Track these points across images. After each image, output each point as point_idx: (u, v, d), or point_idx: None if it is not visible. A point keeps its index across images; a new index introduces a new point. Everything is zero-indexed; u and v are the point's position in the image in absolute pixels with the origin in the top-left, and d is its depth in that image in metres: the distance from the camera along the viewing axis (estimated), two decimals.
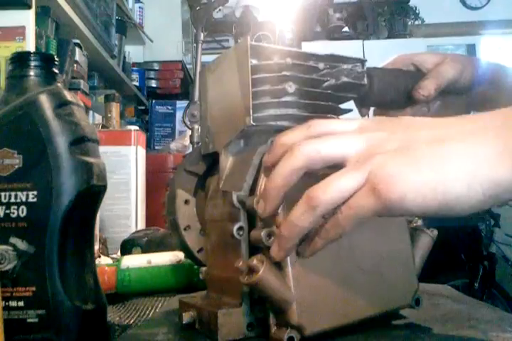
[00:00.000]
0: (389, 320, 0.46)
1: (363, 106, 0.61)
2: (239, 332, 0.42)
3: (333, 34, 3.68)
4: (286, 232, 0.37)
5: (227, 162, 0.47)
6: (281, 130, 0.45)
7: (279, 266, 0.39)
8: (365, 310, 0.42)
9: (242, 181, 0.43)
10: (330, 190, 0.35)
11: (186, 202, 0.53)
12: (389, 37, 3.67)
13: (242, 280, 0.39)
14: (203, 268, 0.51)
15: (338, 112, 0.51)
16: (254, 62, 0.45)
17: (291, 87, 0.45)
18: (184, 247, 0.53)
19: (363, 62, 0.51)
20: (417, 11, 3.73)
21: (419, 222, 0.49)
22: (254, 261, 0.38)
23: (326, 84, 0.49)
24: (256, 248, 0.41)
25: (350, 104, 0.54)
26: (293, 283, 0.39)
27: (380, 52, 3.50)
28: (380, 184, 0.33)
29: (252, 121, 0.44)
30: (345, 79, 0.48)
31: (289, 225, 0.37)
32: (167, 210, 0.54)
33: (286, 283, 0.39)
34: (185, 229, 0.52)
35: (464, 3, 4.21)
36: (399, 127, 0.37)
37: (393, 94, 0.59)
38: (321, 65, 0.48)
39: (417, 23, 3.75)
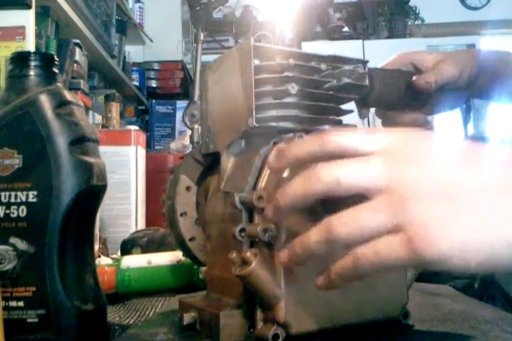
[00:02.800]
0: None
1: (363, 106, 0.61)
2: (240, 334, 0.42)
3: (333, 34, 3.68)
4: (298, 249, 0.34)
5: (228, 162, 0.47)
6: (282, 131, 0.45)
7: (271, 261, 0.39)
8: (353, 316, 0.42)
9: (244, 182, 0.43)
10: (352, 227, 0.31)
11: (188, 188, 0.53)
12: (389, 37, 3.67)
13: (234, 272, 0.39)
14: (203, 268, 0.51)
15: (340, 113, 0.51)
16: (257, 62, 0.45)
17: (293, 88, 0.45)
18: (176, 233, 0.53)
19: (364, 63, 0.51)
20: (417, 11, 3.73)
21: None
22: (248, 254, 0.39)
23: (327, 85, 0.48)
24: None
25: (350, 105, 0.54)
26: (284, 280, 0.39)
27: (380, 52, 3.49)
28: (419, 238, 0.29)
29: (254, 122, 0.43)
30: (346, 80, 0.48)
31: (303, 245, 0.34)
32: (167, 195, 0.54)
33: (277, 279, 0.39)
34: (181, 215, 0.52)
35: (464, 3, 4.21)
36: (430, 158, 0.32)
37: (394, 95, 0.60)
38: (323, 66, 0.48)
39: (417, 23, 3.75)
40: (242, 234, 0.42)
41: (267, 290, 0.39)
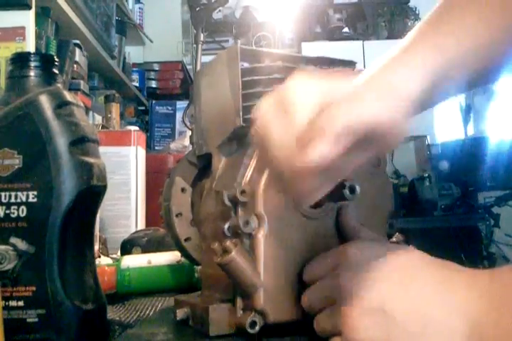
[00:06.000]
0: None
1: None
2: (230, 327, 0.42)
3: (333, 35, 3.68)
4: None
5: (219, 163, 0.48)
6: None
7: (252, 251, 0.41)
8: None
9: (233, 181, 0.44)
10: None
11: (183, 190, 0.54)
12: (389, 37, 3.67)
13: (215, 260, 0.40)
14: (199, 268, 0.51)
15: None
16: (246, 64, 0.46)
17: None
18: (172, 234, 0.54)
19: (353, 64, 0.51)
20: (417, 12, 3.74)
21: (400, 237, 0.49)
22: (228, 243, 0.40)
23: None
24: None
25: None
26: (263, 270, 0.40)
27: (380, 53, 3.50)
28: None
29: (241, 122, 0.45)
30: None
31: None
32: (163, 196, 0.55)
33: (256, 268, 0.40)
34: (176, 216, 0.53)
35: None
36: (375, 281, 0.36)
37: None
38: (310, 68, 0.49)
39: (417, 23, 3.75)
40: (228, 226, 0.43)
41: (246, 278, 0.40)
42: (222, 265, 0.40)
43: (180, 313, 0.46)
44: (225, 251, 0.40)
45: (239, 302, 0.42)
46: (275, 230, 0.41)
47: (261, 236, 0.41)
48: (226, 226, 0.42)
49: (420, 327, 0.33)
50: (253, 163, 0.44)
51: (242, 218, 0.41)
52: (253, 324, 0.40)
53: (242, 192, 0.42)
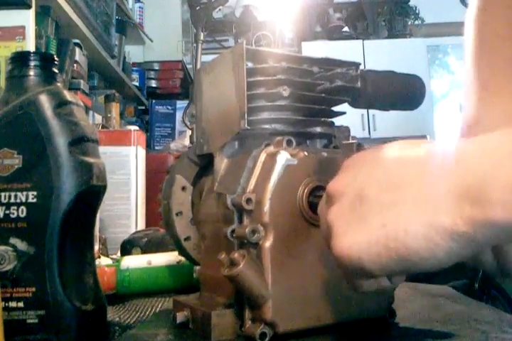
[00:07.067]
0: (389, 320, 0.46)
1: (356, 108, 0.61)
2: (231, 333, 0.42)
3: (333, 34, 3.68)
4: None
5: (221, 164, 0.48)
6: (275, 133, 0.46)
7: (259, 262, 0.40)
8: (339, 315, 0.43)
9: (236, 184, 0.44)
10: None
11: (183, 188, 0.54)
12: (389, 37, 3.68)
13: (223, 272, 0.40)
14: (197, 268, 0.51)
15: (332, 115, 0.51)
16: (250, 65, 0.46)
17: (285, 91, 0.46)
18: (172, 233, 0.53)
19: (357, 65, 0.51)
20: (417, 11, 3.74)
21: None
22: (236, 255, 0.40)
23: (320, 87, 0.49)
24: None
25: (344, 107, 0.54)
26: (271, 281, 0.40)
27: (380, 52, 3.52)
28: (328, 237, 0.33)
29: (246, 125, 0.44)
30: (339, 82, 0.49)
31: None
32: (163, 194, 0.54)
33: (264, 279, 0.40)
34: (176, 215, 0.53)
35: (464, 3, 4.21)
36: (361, 168, 0.34)
37: (388, 97, 0.60)
38: (315, 69, 0.49)
39: (417, 23, 3.76)
40: (234, 235, 0.42)
41: (255, 290, 0.40)
42: (230, 277, 0.40)
43: (181, 316, 0.45)
44: (233, 263, 0.40)
45: (247, 313, 0.41)
46: (282, 239, 0.41)
47: (268, 245, 0.40)
48: (229, 230, 0.42)
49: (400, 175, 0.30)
50: (258, 167, 0.43)
51: (248, 227, 0.40)
52: (263, 335, 0.40)
53: (248, 200, 0.41)
